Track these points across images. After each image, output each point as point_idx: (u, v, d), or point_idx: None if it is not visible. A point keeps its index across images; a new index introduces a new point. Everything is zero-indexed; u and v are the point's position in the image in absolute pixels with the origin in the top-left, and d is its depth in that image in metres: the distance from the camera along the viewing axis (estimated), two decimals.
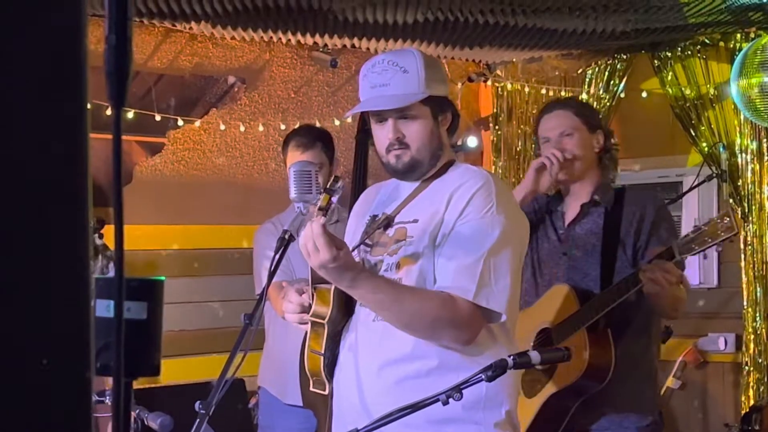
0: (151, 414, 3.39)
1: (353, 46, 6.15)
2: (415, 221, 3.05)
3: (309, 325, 3.15)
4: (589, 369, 3.71)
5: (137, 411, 3.41)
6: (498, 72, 6.97)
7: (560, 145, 3.94)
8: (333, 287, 3.05)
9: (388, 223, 3.12)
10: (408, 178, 3.14)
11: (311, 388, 3.30)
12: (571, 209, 4.00)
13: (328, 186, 2.93)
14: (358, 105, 3.14)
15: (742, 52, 5.62)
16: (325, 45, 6.14)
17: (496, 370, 2.59)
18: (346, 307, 3.15)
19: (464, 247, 2.92)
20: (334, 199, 2.91)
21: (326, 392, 3.15)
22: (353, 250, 3.09)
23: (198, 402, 3.13)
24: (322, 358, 3.13)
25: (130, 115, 5.57)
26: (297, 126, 5.43)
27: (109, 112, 5.42)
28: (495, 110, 7.06)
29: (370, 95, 3.07)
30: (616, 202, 3.90)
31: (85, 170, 0.96)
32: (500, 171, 7.02)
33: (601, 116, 4.25)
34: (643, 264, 3.66)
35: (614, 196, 3.92)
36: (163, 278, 1.31)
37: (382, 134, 3.10)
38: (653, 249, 3.73)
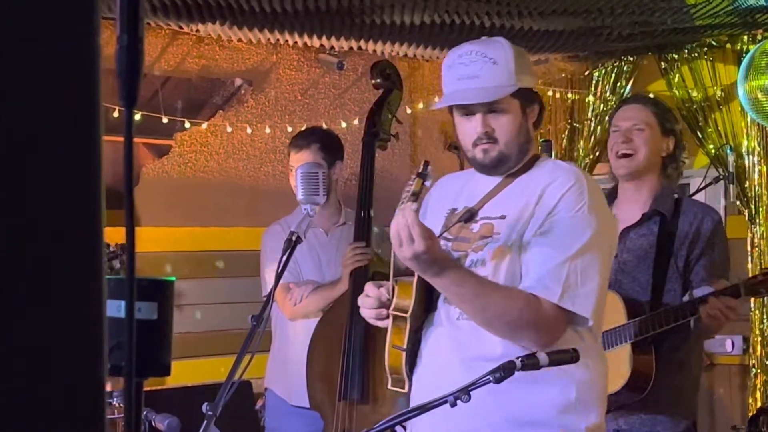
0: (158, 415, 3.40)
1: (360, 48, 6.15)
2: (503, 217, 2.92)
3: (390, 319, 2.99)
4: (630, 381, 3.70)
5: (145, 412, 3.41)
6: None
7: (625, 137, 3.92)
8: (415, 280, 2.91)
9: (470, 216, 2.98)
10: (494, 173, 3.00)
11: (389, 386, 3.12)
12: (624, 212, 3.93)
13: (419, 171, 2.74)
14: (445, 97, 2.98)
15: (749, 55, 5.61)
16: (332, 47, 6.15)
17: (504, 372, 2.57)
18: (427, 301, 3.00)
19: (552, 247, 2.82)
20: (427, 183, 2.73)
21: (405, 390, 3.02)
22: None
23: (205, 404, 3.14)
24: (403, 354, 2.98)
25: (138, 117, 5.56)
26: (303, 129, 5.44)
27: (116, 114, 5.44)
28: None
29: (457, 87, 2.93)
30: (674, 211, 3.86)
31: (98, 171, 0.96)
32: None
33: (674, 124, 4.12)
34: (704, 294, 3.65)
35: (673, 205, 3.89)
36: (173, 278, 1.32)
37: (469, 127, 2.96)
38: (719, 283, 3.70)
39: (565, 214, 2.82)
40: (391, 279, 2.94)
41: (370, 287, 3.03)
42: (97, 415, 0.92)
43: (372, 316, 3.05)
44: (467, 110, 2.95)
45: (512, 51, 2.91)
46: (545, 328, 2.80)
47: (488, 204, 2.98)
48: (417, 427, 3.02)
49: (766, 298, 6.02)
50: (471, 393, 2.54)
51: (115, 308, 1.22)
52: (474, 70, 2.90)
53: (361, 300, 3.05)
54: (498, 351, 2.80)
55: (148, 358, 1.25)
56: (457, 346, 2.89)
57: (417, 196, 2.70)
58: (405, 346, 2.97)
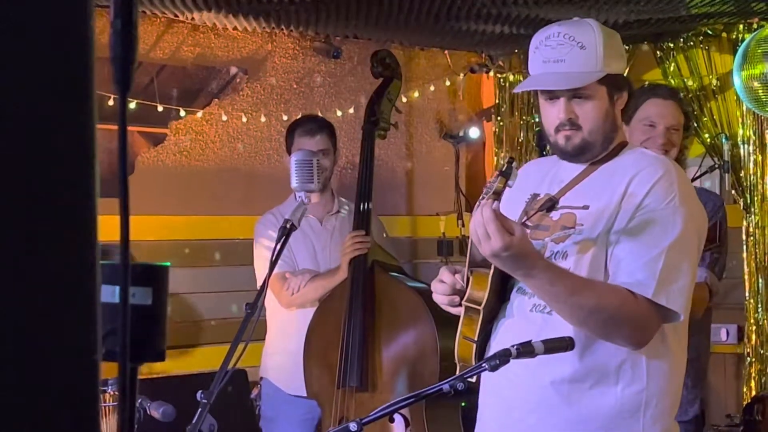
0: (153, 403, 3.40)
1: (356, 36, 6.14)
2: (586, 207, 2.82)
3: (462, 310, 2.90)
4: None
5: (140, 400, 3.41)
6: (500, 63, 6.97)
7: (666, 138, 3.91)
8: (492, 271, 2.80)
9: (552, 205, 2.88)
10: (577, 160, 2.90)
11: None
12: None
13: (503, 169, 2.58)
14: (528, 80, 2.89)
15: (744, 43, 5.61)
16: (328, 36, 6.14)
17: (499, 360, 2.55)
18: (502, 292, 2.92)
19: (644, 241, 2.71)
20: (511, 182, 2.57)
21: (473, 380, 2.96)
22: None
23: (200, 392, 3.14)
24: (474, 345, 2.88)
25: (132, 105, 5.56)
26: (299, 117, 5.44)
27: (111, 102, 5.43)
28: (497, 101, 7.06)
29: (542, 70, 2.82)
30: None
31: (92, 159, 0.96)
32: (502, 162, 7.01)
33: (690, 122, 4.19)
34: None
35: None
36: (168, 264, 1.31)
37: (552, 113, 2.84)
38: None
39: (656, 206, 2.73)
40: (466, 269, 2.85)
41: (444, 273, 2.91)
42: (91, 400, 0.92)
43: (444, 303, 2.94)
44: (551, 94, 2.84)
45: (602, 35, 2.79)
46: (641, 325, 2.71)
47: (570, 192, 2.88)
48: (483, 419, 3.01)
49: (760, 286, 6.02)
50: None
51: (109, 293, 1.22)
52: (560, 53, 2.78)
53: (434, 285, 2.94)
54: (572, 350, 2.67)
55: (142, 343, 1.24)
56: (519, 339, 2.66)
57: (499, 195, 2.58)
58: (476, 338, 2.87)
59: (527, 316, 2.84)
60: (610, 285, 2.74)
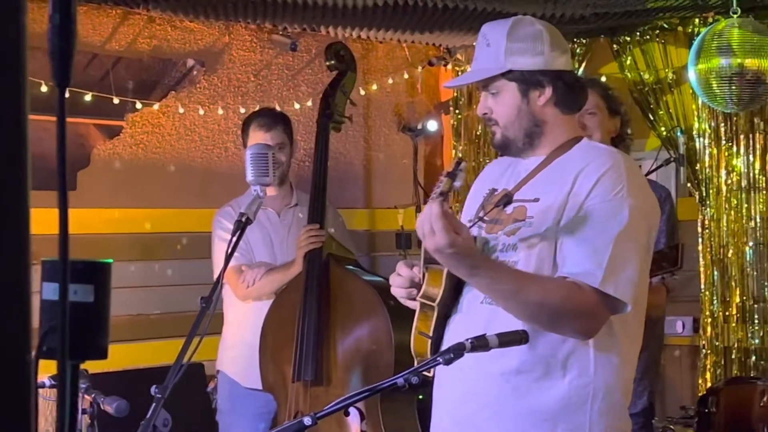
0: (107, 398, 3.38)
1: (313, 29, 6.13)
2: (536, 200, 2.85)
3: (418, 305, 2.95)
4: None
5: (93, 395, 3.39)
6: (458, 56, 6.97)
7: (581, 121, 3.93)
8: (446, 269, 2.83)
9: (508, 200, 2.91)
10: (508, 154, 2.96)
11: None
12: None
13: (450, 170, 2.64)
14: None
15: (699, 37, 5.63)
16: (285, 28, 6.12)
17: (453, 354, 2.55)
18: (457, 289, 2.93)
19: (592, 233, 2.73)
20: (457, 183, 2.62)
21: (431, 375, 2.97)
22: (471, 225, 2.92)
23: (154, 386, 3.12)
24: (429, 341, 2.92)
25: (88, 98, 5.52)
26: (257, 109, 5.42)
27: (67, 94, 5.37)
28: (455, 94, 7.06)
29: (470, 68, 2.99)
30: None
31: (24, 151, 0.95)
32: (460, 155, 7.02)
33: (619, 105, 4.26)
34: None
35: None
36: (110, 261, 1.30)
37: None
38: None
39: (603, 198, 2.75)
40: (421, 266, 2.88)
41: (402, 267, 2.96)
42: (23, 399, 0.91)
43: (402, 295, 2.99)
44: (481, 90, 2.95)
45: (509, 33, 2.85)
46: (589, 316, 2.73)
47: (525, 186, 2.91)
48: (438, 412, 3.03)
49: (715, 279, 6.07)
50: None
51: (51, 291, 1.21)
52: (477, 51, 2.92)
53: (393, 279, 2.99)
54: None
55: (84, 341, 1.23)
56: (469, 332, 2.70)
57: (445, 196, 2.63)
58: (431, 334, 2.91)
59: (478, 309, 2.86)
60: (555, 279, 2.77)
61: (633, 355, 2.92)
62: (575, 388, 2.78)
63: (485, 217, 2.94)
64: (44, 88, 4.84)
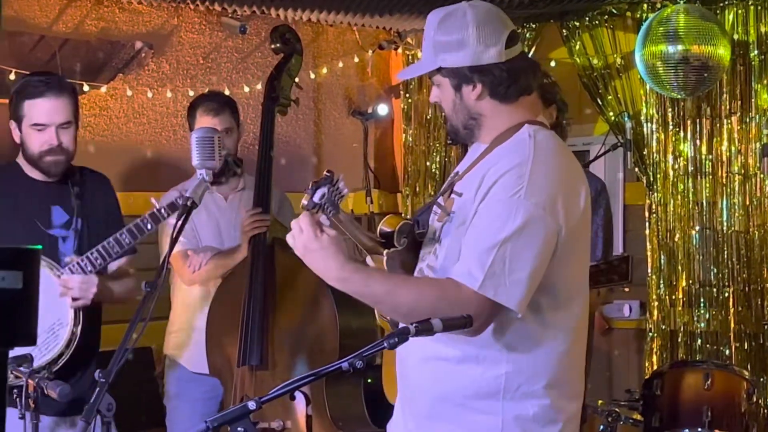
0: (50, 383, 3.36)
1: (263, 12, 6.09)
2: (460, 195, 2.83)
3: None
4: None
5: (36, 380, 3.37)
6: (408, 40, 6.97)
7: None
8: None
9: (450, 189, 2.89)
10: (457, 140, 3.01)
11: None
12: None
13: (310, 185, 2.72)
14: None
15: (646, 22, 5.68)
16: (235, 11, 6.08)
17: (398, 337, 2.56)
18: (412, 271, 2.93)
19: (481, 232, 2.69)
20: (316, 198, 2.68)
21: (378, 361, 3.00)
22: (424, 209, 2.94)
23: (98, 371, 3.10)
24: (389, 322, 2.95)
25: None
26: (203, 92, 5.38)
27: (13, 76, 5.33)
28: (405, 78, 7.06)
29: None
30: None
31: None
32: (410, 139, 7.04)
33: (554, 95, 4.27)
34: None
35: None
36: (39, 246, 1.29)
37: None
38: None
39: (499, 197, 2.70)
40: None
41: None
42: None
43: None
44: None
45: (436, 26, 2.83)
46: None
47: (466, 175, 2.89)
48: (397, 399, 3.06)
49: (662, 263, 6.13)
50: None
51: None
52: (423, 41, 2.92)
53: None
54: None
55: (13, 327, 1.22)
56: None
57: (312, 207, 2.70)
58: (389, 318, 2.93)
59: None
60: (431, 279, 2.79)
61: (554, 349, 2.82)
62: (488, 379, 2.78)
63: (440, 201, 2.91)
64: None
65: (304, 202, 2.70)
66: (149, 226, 3.88)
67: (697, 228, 6.09)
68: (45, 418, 3.72)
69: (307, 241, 2.68)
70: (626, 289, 4.11)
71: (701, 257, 6.09)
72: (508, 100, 2.86)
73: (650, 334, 6.20)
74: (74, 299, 3.88)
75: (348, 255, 2.73)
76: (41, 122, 4.01)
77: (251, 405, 2.41)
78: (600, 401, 5.04)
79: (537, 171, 2.72)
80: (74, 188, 4.11)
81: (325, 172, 2.75)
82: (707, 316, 6.06)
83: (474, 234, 2.71)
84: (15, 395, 3.31)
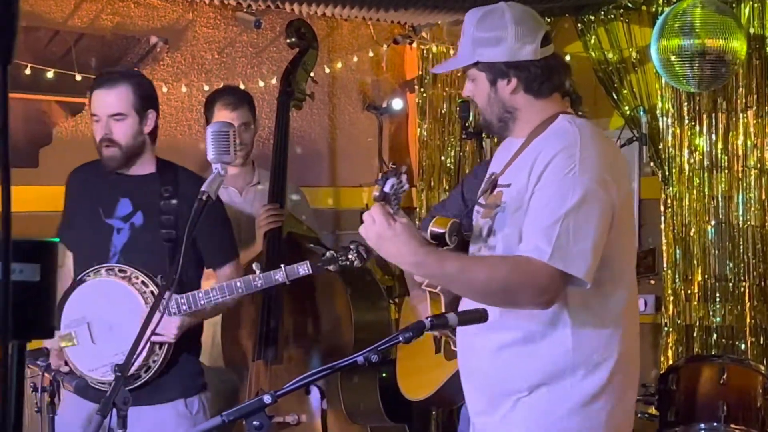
0: (66, 376, 3.38)
1: (277, 6, 6.10)
2: (509, 186, 2.97)
3: (427, 295, 3.14)
4: None
5: (53, 374, 3.39)
6: (423, 34, 6.96)
7: None
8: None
9: (494, 184, 3.04)
10: (490, 133, 3.23)
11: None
12: None
13: (378, 176, 2.81)
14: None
15: (662, 16, 5.66)
16: (249, 5, 6.09)
17: (413, 332, 2.57)
18: None
19: (542, 210, 2.81)
20: (387, 188, 2.74)
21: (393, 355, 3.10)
22: (468, 211, 3.10)
23: (114, 364, 3.11)
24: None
25: (50, 74, 5.49)
26: (221, 87, 5.39)
27: (28, 71, 5.35)
28: (420, 72, 7.05)
29: None
30: None
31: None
32: (425, 134, 7.03)
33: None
34: None
35: None
36: (57, 239, 1.29)
37: None
38: None
39: (554, 178, 2.82)
40: None
41: None
42: None
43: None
44: None
45: (475, 23, 2.97)
46: (539, 288, 2.78)
47: (507, 170, 3.02)
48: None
49: (677, 257, 6.11)
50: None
51: None
52: (461, 37, 3.05)
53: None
54: (495, 317, 2.78)
55: (30, 320, 1.23)
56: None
57: (382, 199, 2.75)
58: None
59: None
60: (501, 256, 2.90)
61: (615, 331, 2.94)
62: (557, 356, 2.90)
63: (482, 201, 3.06)
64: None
65: (375, 193, 2.76)
66: (241, 290, 3.87)
67: (713, 222, 6.07)
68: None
69: (380, 230, 2.74)
70: (652, 282, 4.11)
71: (717, 252, 6.07)
72: (541, 96, 3.00)
73: (665, 328, 6.18)
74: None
75: (420, 240, 2.80)
76: (94, 113, 4.04)
77: (267, 399, 2.43)
78: None
79: (586, 151, 2.84)
80: (165, 187, 4.09)
81: (391, 165, 2.83)
82: (723, 310, 6.04)
83: (534, 213, 2.83)
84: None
